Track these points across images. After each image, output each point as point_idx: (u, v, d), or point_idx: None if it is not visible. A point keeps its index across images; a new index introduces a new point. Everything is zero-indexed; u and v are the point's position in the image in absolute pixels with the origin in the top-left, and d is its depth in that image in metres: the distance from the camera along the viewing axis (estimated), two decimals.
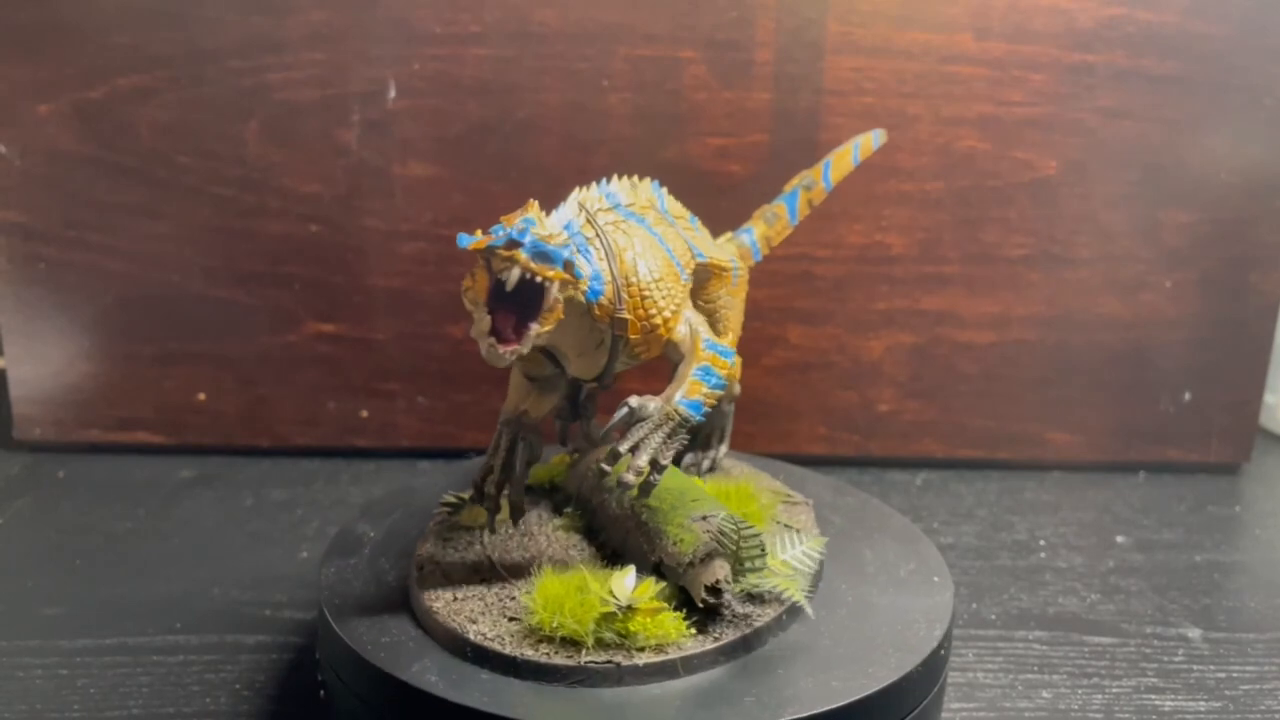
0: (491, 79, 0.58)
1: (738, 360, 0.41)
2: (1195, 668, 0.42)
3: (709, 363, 0.33)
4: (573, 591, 0.32)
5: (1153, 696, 0.40)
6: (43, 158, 0.59)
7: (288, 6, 0.57)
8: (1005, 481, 0.62)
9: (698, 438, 0.44)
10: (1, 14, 0.57)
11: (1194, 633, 0.45)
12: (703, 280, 0.38)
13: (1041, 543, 0.54)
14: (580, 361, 0.34)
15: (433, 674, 0.31)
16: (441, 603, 0.34)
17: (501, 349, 0.29)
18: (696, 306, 0.38)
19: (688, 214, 0.39)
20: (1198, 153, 0.59)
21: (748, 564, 0.33)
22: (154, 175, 0.59)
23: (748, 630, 0.32)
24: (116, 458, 0.62)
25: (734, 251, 0.42)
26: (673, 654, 0.31)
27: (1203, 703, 0.40)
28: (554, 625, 0.31)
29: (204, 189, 0.59)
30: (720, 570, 0.32)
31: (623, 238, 0.34)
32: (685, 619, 0.32)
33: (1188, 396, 0.62)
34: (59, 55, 0.57)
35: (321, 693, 0.37)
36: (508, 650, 0.31)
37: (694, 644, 0.31)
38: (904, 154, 0.59)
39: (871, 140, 0.47)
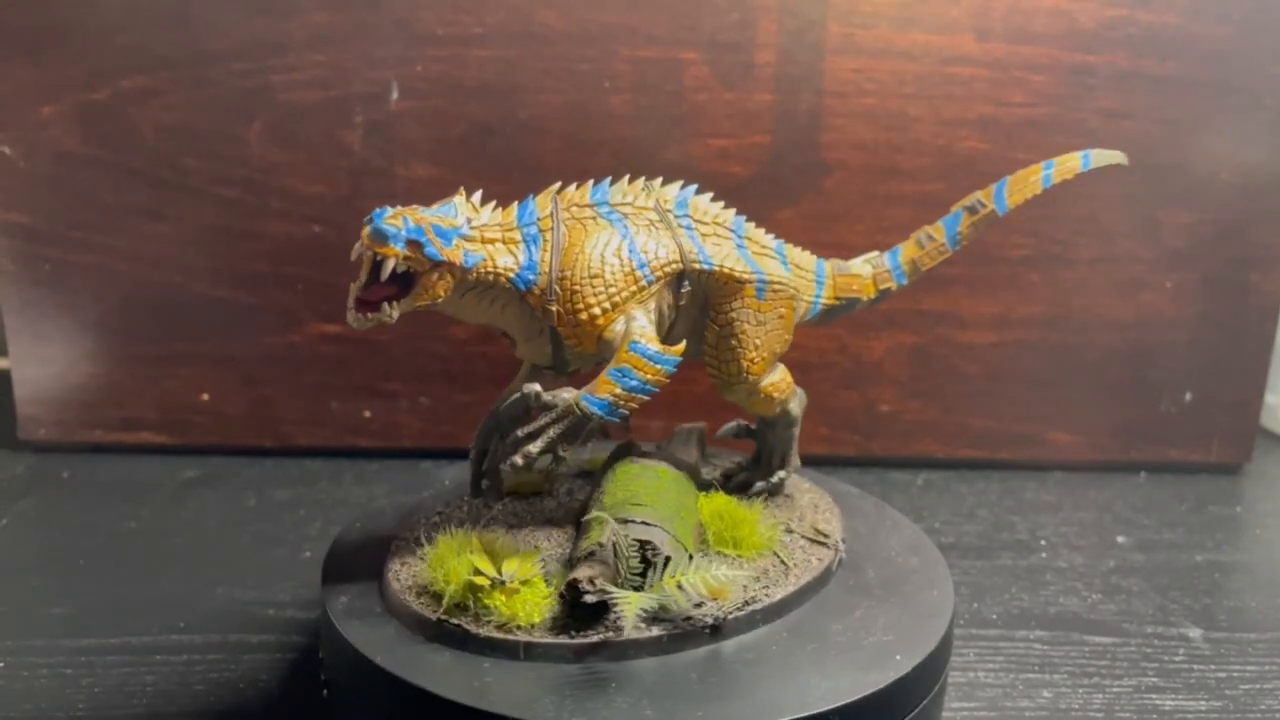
0: (493, 80, 0.58)
1: (784, 379, 0.39)
2: (1196, 667, 0.42)
3: (629, 364, 0.33)
4: (452, 554, 0.34)
5: (1153, 696, 0.40)
6: (47, 159, 0.59)
7: (290, 8, 0.57)
8: (1006, 481, 0.62)
9: (760, 460, 0.42)
10: (5, 15, 0.57)
11: (1195, 632, 0.45)
12: (712, 289, 0.37)
13: (1042, 542, 0.54)
14: (528, 346, 0.36)
15: (344, 595, 0.35)
16: (404, 544, 0.36)
17: (358, 314, 0.33)
18: (710, 317, 0.37)
19: (729, 220, 0.38)
20: (1198, 153, 0.59)
21: (626, 574, 0.32)
22: (157, 176, 0.59)
23: (608, 638, 0.32)
24: (120, 458, 0.63)
25: (867, 272, 0.41)
26: (519, 636, 0.32)
27: (1203, 702, 0.40)
28: (429, 580, 0.34)
29: (207, 190, 0.59)
30: (584, 571, 0.32)
31: (580, 233, 0.35)
32: (565, 608, 0.32)
33: (1188, 397, 0.63)
34: (63, 57, 0.58)
35: (324, 692, 0.37)
36: (398, 593, 0.34)
37: (548, 634, 0.32)
38: (905, 155, 0.59)
39: (1078, 161, 0.42)
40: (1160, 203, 0.60)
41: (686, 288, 0.36)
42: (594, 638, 0.32)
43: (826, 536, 0.38)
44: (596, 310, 0.34)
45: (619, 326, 0.34)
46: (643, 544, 0.33)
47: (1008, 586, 0.49)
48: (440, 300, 0.33)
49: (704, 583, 0.32)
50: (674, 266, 0.36)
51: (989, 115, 0.58)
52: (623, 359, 0.34)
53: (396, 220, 0.32)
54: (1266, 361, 0.62)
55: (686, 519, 0.35)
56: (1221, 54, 0.58)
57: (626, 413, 0.34)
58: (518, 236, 0.35)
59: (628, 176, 0.37)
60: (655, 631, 0.32)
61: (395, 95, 0.58)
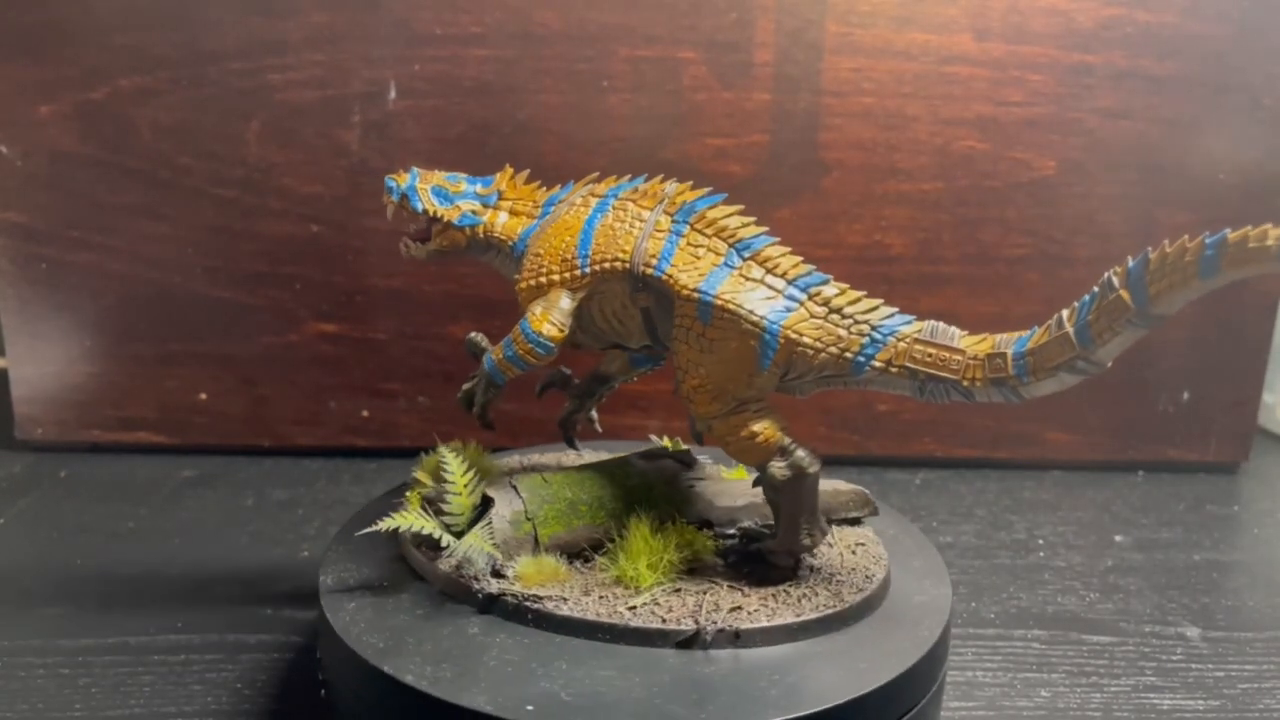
0: (492, 80, 0.58)
1: (750, 429, 0.34)
2: (1194, 666, 0.42)
3: (512, 335, 0.36)
4: (429, 467, 0.39)
5: (1151, 695, 0.40)
6: (44, 158, 0.59)
7: (289, 8, 0.57)
8: (1004, 481, 0.62)
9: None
10: (3, 15, 0.57)
11: (1192, 632, 0.45)
12: (670, 298, 0.35)
13: (1040, 542, 0.54)
14: None
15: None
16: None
17: (401, 243, 0.40)
18: (672, 327, 0.36)
19: (741, 237, 0.35)
20: (1196, 153, 0.59)
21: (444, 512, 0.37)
22: (155, 176, 0.59)
23: (411, 557, 0.36)
24: (118, 457, 0.62)
25: (975, 352, 0.32)
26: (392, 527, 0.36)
27: (1201, 701, 0.40)
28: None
29: (205, 189, 0.59)
30: (431, 495, 0.37)
31: (563, 215, 0.37)
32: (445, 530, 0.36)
33: (1186, 396, 0.63)
34: (61, 56, 0.58)
35: (322, 692, 0.37)
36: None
37: (410, 538, 0.36)
38: (903, 154, 0.59)
39: (1270, 244, 0.26)
40: (1158, 202, 0.60)
41: (640, 288, 0.35)
42: (419, 551, 0.36)
43: (709, 616, 0.33)
44: (523, 284, 0.37)
45: (535, 302, 0.37)
46: (486, 497, 0.36)
47: (1006, 586, 0.49)
48: (447, 248, 0.39)
49: (475, 546, 0.35)
50: (616, 265, 0.35)
51: (987, 115, 0.58)
52: (513, 330, 0.36)
53: (401, 176, 0.39)
54: (1264, 361, 0.62)
55: (585, 515, 0.37)
56: (1219, 53, 0.58)
57: (506, 376, 0.37)
58: (537, 213, 0.38)
59: (660, 176, 0.37)
60: (444, 571, 0.35)
61: (393, 95, 0.58)
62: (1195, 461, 0.64)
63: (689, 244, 0.35)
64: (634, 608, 0.33)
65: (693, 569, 0.35)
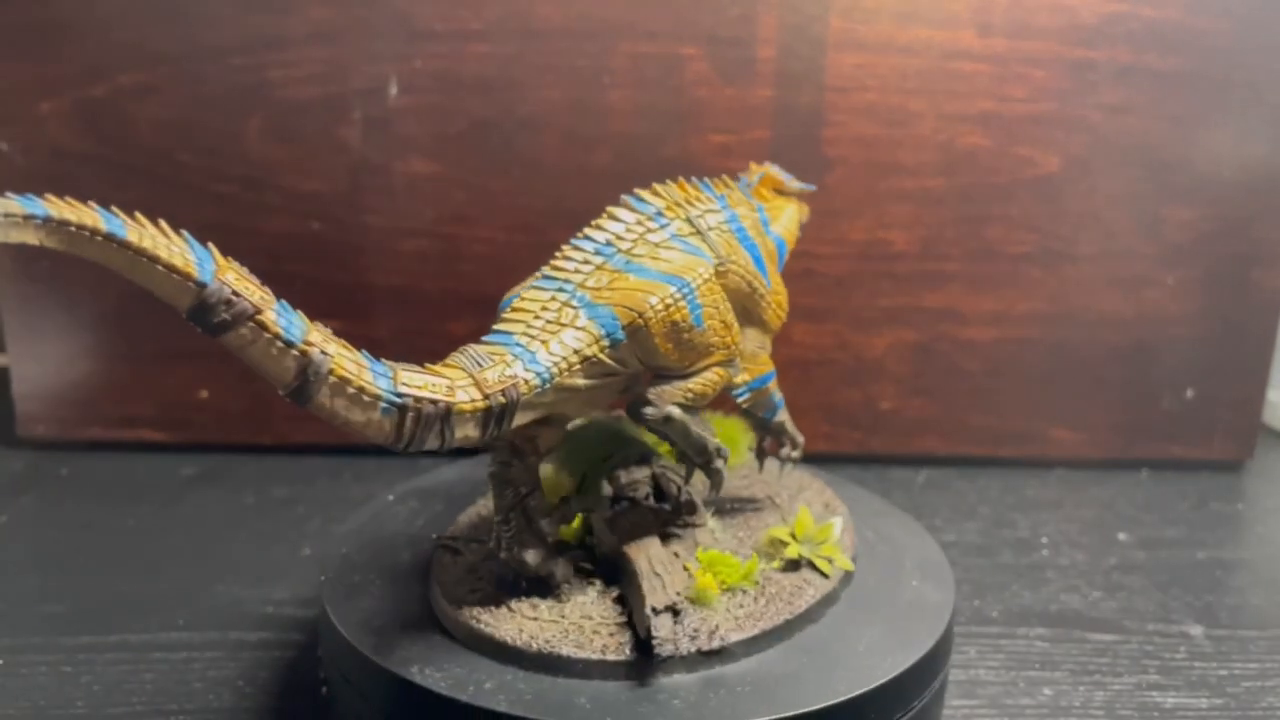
0: (493, 76, 0.57)
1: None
2: (1197, 665, 0.42)
3: None
4: None
5: (1155, 694, 0.40)
6: (44, 155, 0.59)
7: (289, 4, 0.57)
8: (1007, 479, 0.62)
9: None
10: (2, 12, 0.57)
11: (1196, 630, 0.45)
12: None
13: (1044, 540, 0.54)
14: None
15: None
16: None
17: None
18: None
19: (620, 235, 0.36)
20: (1200, 149, 0.59)
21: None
22: (155, 173, 0.59)
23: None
24: (119, 455, 0.62)
25: (465, 398, 0.32)
26: None
27: (1204, 700, 0.40)
28: None
29: (205, 187, 0.59)
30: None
31: None
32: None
33: (1190, 393, 0.62)
34: (60, 53, 0.57)
35: (323, 690, 0.37)
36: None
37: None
38: (906, 151, 0.59)
39: None
40: (1162, 198, 0.60)
41: None
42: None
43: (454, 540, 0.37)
44: None
45: None
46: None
47: (1009, 584, 0.49)
48: None
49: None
50: None
51: (990, 111, 0.58)
52: None
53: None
54: (1268, 358, 0.62)
55: (561, 450, 0.36)
56: (1224, 49, 0.57)
57: None
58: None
59: (723, 176, 0.39)
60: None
61: (394, 91, 0.58)
62: (1199, 459, 0.63)
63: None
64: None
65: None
